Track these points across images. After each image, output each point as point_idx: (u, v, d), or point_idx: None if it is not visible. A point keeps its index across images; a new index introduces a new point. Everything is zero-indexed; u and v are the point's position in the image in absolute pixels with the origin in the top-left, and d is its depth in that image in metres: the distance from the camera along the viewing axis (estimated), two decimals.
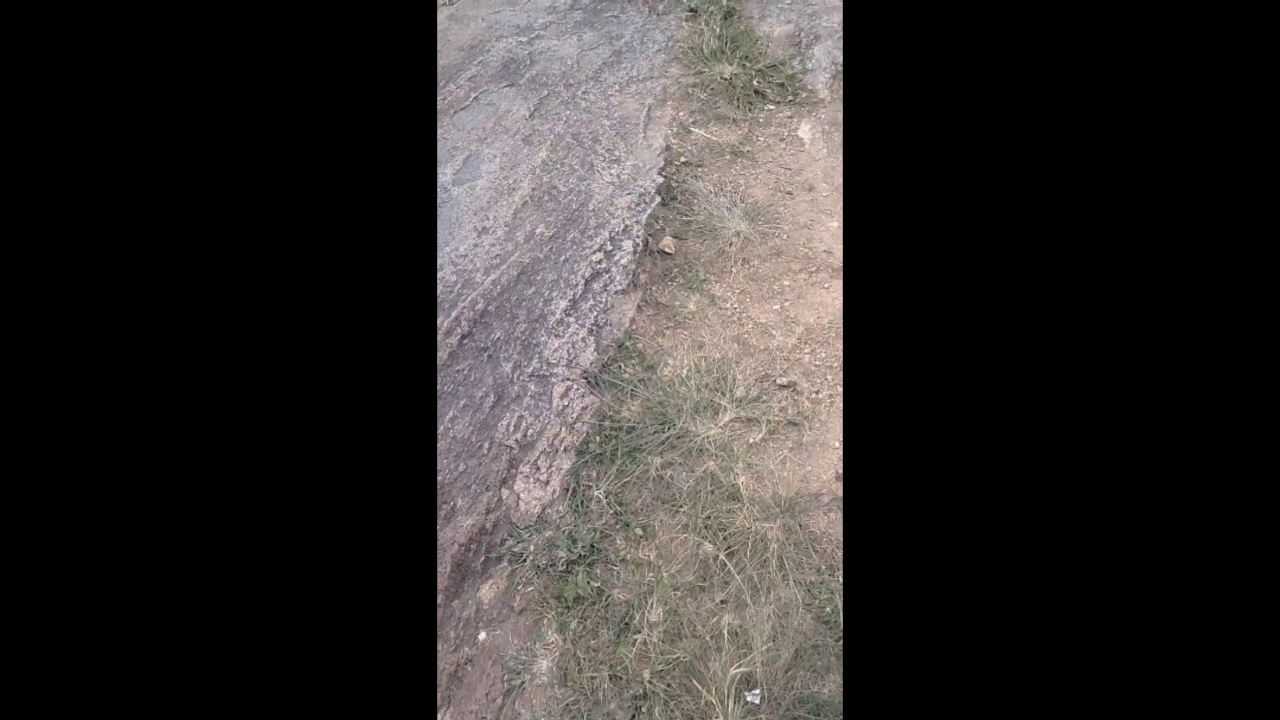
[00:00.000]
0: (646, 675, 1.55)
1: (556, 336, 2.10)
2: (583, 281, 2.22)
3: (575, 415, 1.94)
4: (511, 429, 1.90)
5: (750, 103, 2.87)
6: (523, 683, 1.58)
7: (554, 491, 1.82)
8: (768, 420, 1.93)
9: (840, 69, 2.94)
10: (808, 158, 2.67)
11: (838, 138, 2.72)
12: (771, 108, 2.86)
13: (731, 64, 2.95)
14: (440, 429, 1.90)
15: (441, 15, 3.41)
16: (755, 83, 2.91)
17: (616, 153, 2.64)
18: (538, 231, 2.37)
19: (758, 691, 1.52)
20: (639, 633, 1.60)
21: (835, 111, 2.82)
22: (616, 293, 2.21)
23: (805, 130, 2.77)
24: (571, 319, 2.14)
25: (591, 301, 2.18)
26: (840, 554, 1.70)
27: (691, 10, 3.24)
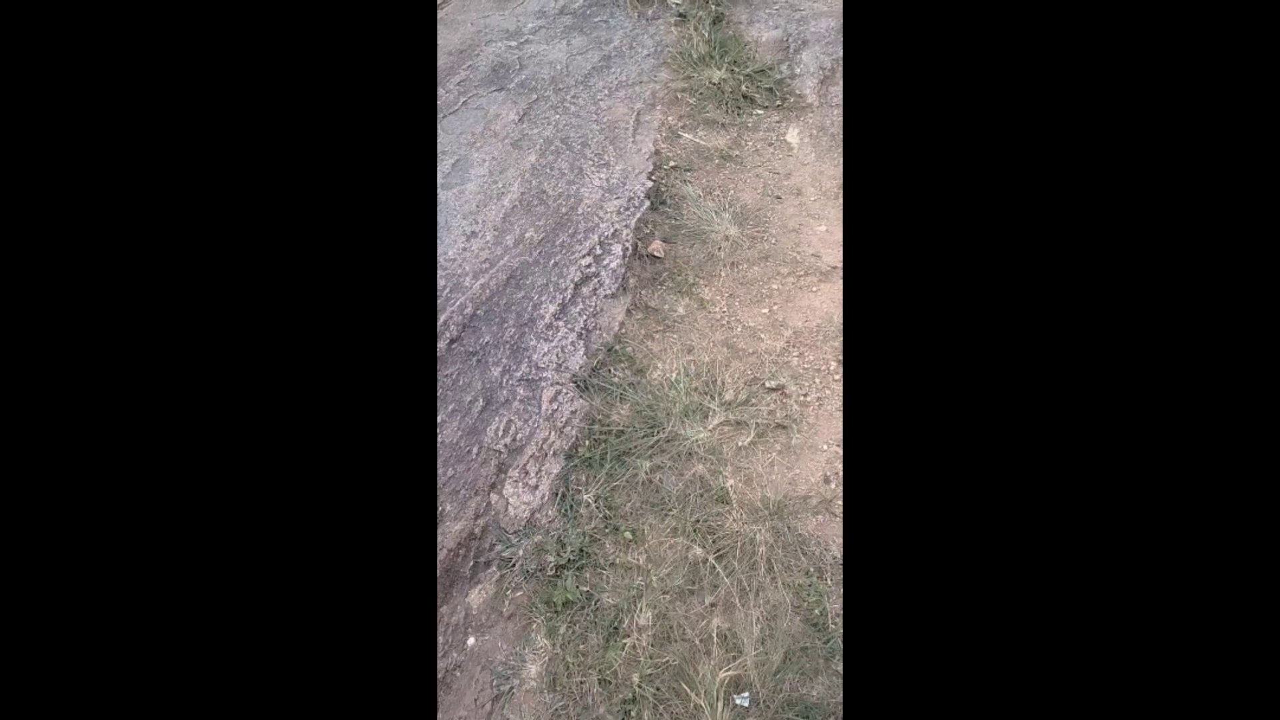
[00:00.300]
0: (636, 679, 1.55)
1: (545, 341, 2.09)
2: (572, 285, 2.22)
3: (564, 419, 1.93)
4: (500, 433, 1.90)
5: (739, 107, 2.88)
6: (511, 688, 1.57)
7: (543, 496, 1.81)
8: (756, 423, 1.93)
9: (827, 74, 2.96)
10: (796, 162, 2.69)
11: (825, 142, 2.74)
12: (760, 112, 2.88)
13: (720, 69, 2.97)
14: None
15: None
16: (744, 87, 2.92)
17: (605, 157, 2.65)
18: (527, 236, 2.37)
19: (747, 694, 1.52)
20: (628, 637, 1.60)
21: (823, 116, 2.84)
22: (606, 297, 2.21)
23: (793, 135, 2.79)
24: (561, 323, 2.14)
25: (581, 305, 2.18)
26: (828, 556, 1.71)
27: (680, 15, 3.25)
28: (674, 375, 2.05)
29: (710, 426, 1.93)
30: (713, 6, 3.23)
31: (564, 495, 1.82)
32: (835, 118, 2.83)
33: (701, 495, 1.81)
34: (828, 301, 2.23)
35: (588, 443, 1.91)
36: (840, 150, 2.70)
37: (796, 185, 2.60)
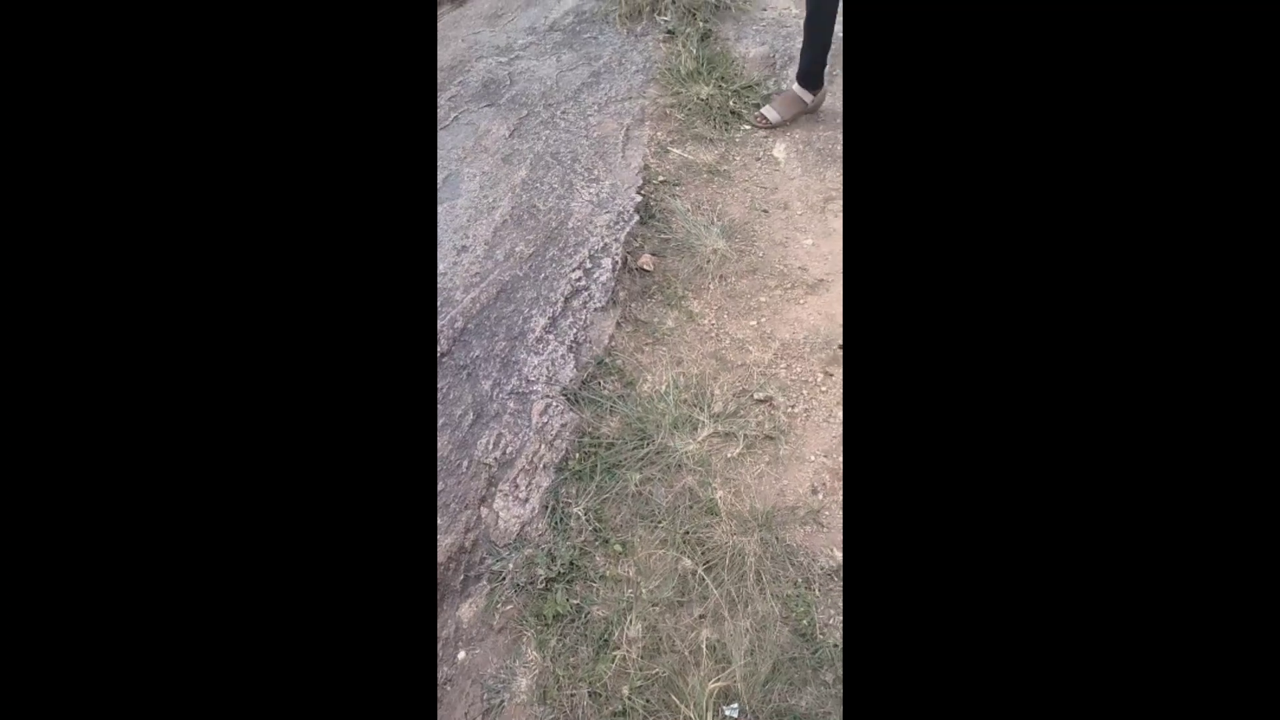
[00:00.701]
0: (625, 691, 1.55)
1: (536, 354, 2.11)
2: (562, 299, 2.24)
3: (554, 432, 1.95)
4: (491, 447, 1.91)
5: (727, 123, 2.92)
6: (502, 701, 1.57)
7: (533, 509, 1.82)
8: (745, 435, 1.95)
9: None
10: (783, 176, 2.72)
11: (811, 157, 2.78)
12: (747, 127, 2.92)
13: (708, 85, 3.01)
14: None
15: None
16: (731, 103, 2.97)
17: (595, 172, 2.68)
18: (517, 250, 2.39)
19: (736, 705, 1.53)
20: (618, 649, 1.61)
21: (809, 131, 2.88)
22: (596, 310, 2.23)
23: (780, 150, 2.83)
24: (551, 336, 2.16)
25: (571, 319, 2.20)
26: (816, 566, 1.72)
27: (669, 32, 3.30)
28: (663, 387, 2.07)
29: (699, 438, 1.95)
30: (701, 23, 3.28)
31: (554, 508, 1.82)
32: (821, 132, 2.87)
33: (691, 507, 1.82)
34: (815, 314, 2.25)
35: (578, 455, 1.92)
36: (826, 165, 2.74)
37: (783, 199, 2.63)
